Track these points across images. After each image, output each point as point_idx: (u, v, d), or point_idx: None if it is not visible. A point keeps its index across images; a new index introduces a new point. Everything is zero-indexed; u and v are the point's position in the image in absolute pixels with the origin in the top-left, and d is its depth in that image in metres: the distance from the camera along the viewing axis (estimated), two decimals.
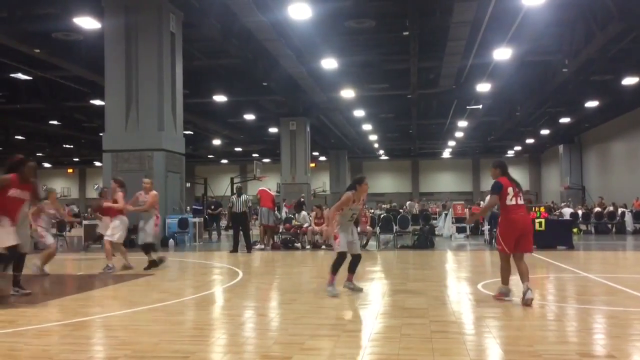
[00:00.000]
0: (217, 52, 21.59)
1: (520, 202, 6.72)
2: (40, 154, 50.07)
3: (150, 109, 16.41)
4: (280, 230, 16.84)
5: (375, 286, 8.53)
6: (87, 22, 16.86)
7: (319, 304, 6.85)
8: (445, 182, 57.15)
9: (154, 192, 10.97)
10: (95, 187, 61.00)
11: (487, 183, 48.26)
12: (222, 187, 41.95)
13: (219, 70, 24.18)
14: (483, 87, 24.44)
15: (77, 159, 53.15)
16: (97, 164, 52.38)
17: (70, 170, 58.63)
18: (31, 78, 24.55)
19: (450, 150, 51.63)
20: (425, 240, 15.44)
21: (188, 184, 18.39)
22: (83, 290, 8.52)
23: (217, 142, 43.09)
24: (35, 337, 5.29)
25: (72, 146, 43.93)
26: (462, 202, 23.09)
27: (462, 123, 35.24)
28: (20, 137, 39.40)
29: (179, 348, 4.69)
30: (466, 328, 5.47)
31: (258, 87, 26.00)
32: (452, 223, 19.53)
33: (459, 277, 9.59)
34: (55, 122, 34.28)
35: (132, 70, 16.41)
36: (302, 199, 21.78)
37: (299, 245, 15.95)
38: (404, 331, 5.25)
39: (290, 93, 26.98)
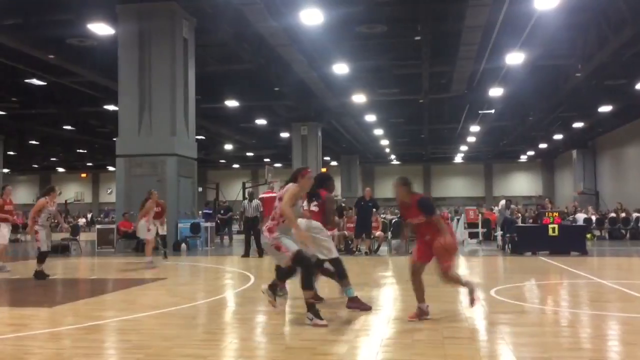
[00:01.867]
0: (230, 58, 21.68)
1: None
2: (55, 159, 50.53)
3: (163, 114, 16.51)
4: None
5: (387, 291, 8.51)
6: (100, 28, 17.03)
7: (331, 309, 6.84)
8: (457, 187, 56.90)
9: None
10: (109, 191, 61.16)
11: (500, 188, 48.40)
12: (233, 191, 42.08)
13: (231, 75, 24.29)
14: (495, 92, 24.34)
15: (90, 164, 53.51)
16: (111, 168, 52.81)
17: (83, 175, 59.03)
18: (46, 84, 24.78)
19: (462, 155, 51.44)
20: None
21: (200, 189, 18.47)
22: (96, 294, 8.58)
23: (229, 147, 43.24)
24: (48, 340, 5.33)
25: (85, 151, 44.28)
26: (475, 207, 22.98)
27: (474, 128, 35.11)
28: (35, 142, 39.77)
29: (191, 352, 4.71)
30: (479, 334, 5.44)
31: (270, 92, 26.08)
32: (465, 228, 19.44)
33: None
34: (69, 127, 34.57)
35: (145, 76, 16.54)
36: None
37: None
38: (416, 337, 5.23)
39: (302, 98, 27.04)
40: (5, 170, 37.63)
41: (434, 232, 5.84)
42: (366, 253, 15.07)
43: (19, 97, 26.54)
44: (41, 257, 10.21)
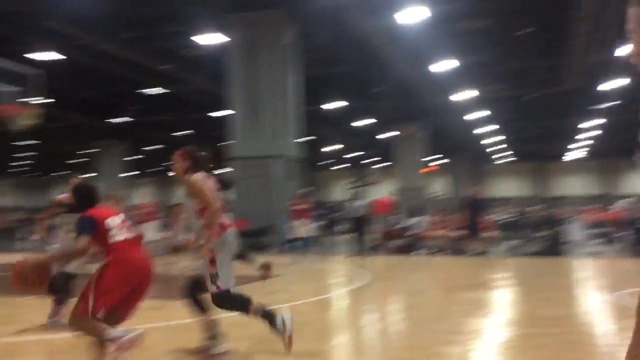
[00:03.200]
0: (332, 60, 21.97)
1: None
2: (170, 163, 53.54)
3: (271, 117, 17.04)
4: (399, 236, 16.77)
5: (503, 294, 8.27)
6: (211, 38, 17.94)
7: (444, 310, 6.77)
8: (573, 185, 53.86)
9: None
10: None
11: (624, 186, 45.02)
12: (338, 192, 42.60)
13: (335, 77, 24.60)
14: (614, 84, 22.82)
15: None
16: (218, 172, 54.95)
17: None
18: (162, 92, 26.43)
19: (578, 151, 48.62)
20: (554, 247, 14.69)
21: (306, 190, 18.89)
22: None
23: (332, 148, 43.79)
24: (177, 332, 5.70)
25: None
26: (594, 206, 21.69)
27: (591, 123, 33.10)
28: (153, 147, 42.49)
29: (307, 348, 4.85)
30: (604, 339, 5.16)
31: (372, 93, 26.13)
32: (584, 229, 18.38)
33: (593, 285, 9.04)
34: (183, 133, 36.62)
35: (253, 81, 17.15)
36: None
37: (417, 251, 15.78)
38: (537, 341, 5.06)
39: (405, 97, 26.83)
40: (126, 174, 40.46)
41: None
42: (476, 254, 14.70)
43: (139, 105, 28.48)
44: None
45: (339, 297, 8.25)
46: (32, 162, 52.64)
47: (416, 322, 5.99)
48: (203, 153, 4.93)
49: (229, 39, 17.43)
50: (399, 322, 6.16)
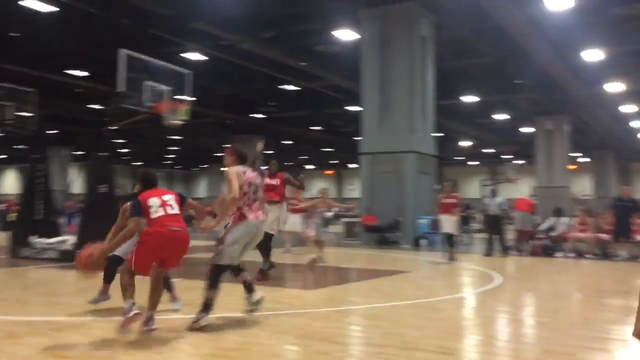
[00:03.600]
0: (467, 52, 21.36)
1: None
2: (305, 157, 55.31)
3: (403, 112, 16.97)
4: (538, 237, 15.94)
5: None
6: (345, 34, 18.21)
7: (587, 316, 6.37)
8: None
9: None
10: (350, 187, 64.70)
11: None
12: (470, 189, 41.38)
13: (469, 70, 23.89)
14: None
15: (335, 162, 57.37)
16: (352, 165, 55.84)
17: (329, 172, 63.44)
18: (297, 88, 27.30)
19: None
20: None
21: (437, 186, 18.59)
22: (346, 281, 9.25)
23: (465, 143, 42.57)
24: (313, 319, 5.91)
25: (331, 149, 47.60)
26: None
27: None
28: (288, 142, 44.07)
29: (442, 344, 4.81)
30: None
31: (510, 85, 25.00)
32: None
33: None
34: (317, 128, 37.56)
35: (386, 76, 17.17)
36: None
37: (560, 252, 14.89)
38: None
39: (546, 90, 25.37)
40: (264, 168, 42.29)
41: None
42: (626, 259, 13.60)
43: (275, 101, 29.64)
44: None
45: (472, 296, 8.06)
46: (175, 156, 56.82)
47: (556, 326, 5.69)
48: (244, 150, 5.75)
49: (362, 34, 17.59)
50: (536, 325, 5.89)
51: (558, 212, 16.05)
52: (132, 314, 4.77)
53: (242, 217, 5.40)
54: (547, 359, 4.48)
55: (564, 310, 6.69)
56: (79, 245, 10.50)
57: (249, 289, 5.57)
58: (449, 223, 12.19)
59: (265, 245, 8.26)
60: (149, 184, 5.37)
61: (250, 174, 5.53)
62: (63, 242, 11.70)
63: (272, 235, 8.64)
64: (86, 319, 5.64)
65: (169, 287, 5.97)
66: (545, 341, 5.08)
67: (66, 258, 10.70)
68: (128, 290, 4.90)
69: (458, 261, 11.94)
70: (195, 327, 5.11)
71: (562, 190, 28.98)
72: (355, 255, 13.87)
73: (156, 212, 4.99)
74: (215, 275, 5.33)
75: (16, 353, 4.24)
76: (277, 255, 9.86)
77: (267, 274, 8.49)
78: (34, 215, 12.32)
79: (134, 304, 4.82)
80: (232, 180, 5.36)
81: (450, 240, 12.27)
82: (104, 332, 5.06)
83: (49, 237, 11.82)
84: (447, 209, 12.31)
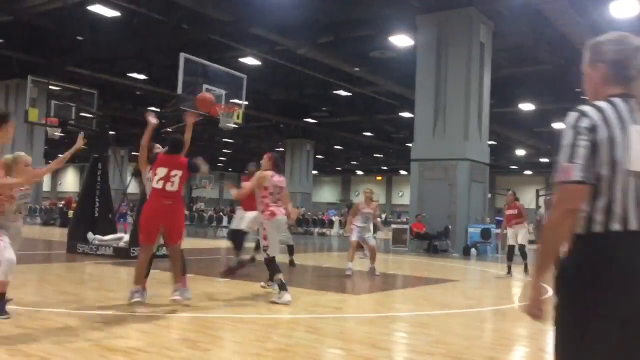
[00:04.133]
0: (525, 60, 20.89)
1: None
2: (354, 162, 55.26)
3: (457, 119, 16.73)
4: None
5: None
6: (400, 40, 18.13)
7: None
8: None
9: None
10: (400, 194, 63.98)
11: None
12: (525, 199, 40.31)
13: (526, 78, 23.36)
14: None
15: (385, 167, 57.08)
16: (402, 172, 55.40)
17: (378, 178, 63.16)
18: (350, 94, 27.34)
19: None
20: None
21: (489, 195, 18.25)
22: (394, 287, 9.17)
23: (520, 152, 41.57)
24: (359, 323, 5.91)
25: (381, 155, 47.39)
26: None
27: None
28: (339, 147, 44.15)
29: (490, 355, 4.71)
30: None
31: (570, 94, 24.25)
32: None
33: None
34: (368, 134, 37.48)
35: (441, 82, 16.98)
36: None
37: None
38: None
39: None
40: (314, 172, 42.59)
41: None
42: None
43: (328, 106, 29.77)
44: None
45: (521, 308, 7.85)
46: (225, 159, 57.72)
47: None
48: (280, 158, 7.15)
49: (418, 39, 17.46)
50: None
51: None
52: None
53: (272, 214, 6.66)
54: None
55: None
56: (133, 242, 10.84)
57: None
58: (511, 235, 11.58)
59: (239, 241, 8.96)
60: (172, 149, 6.27)
61: (277, 178, 6.81)
62: (118, 239, 12.08)
63: (246, 232, 8.83)
64: (136, 314, 5.80)
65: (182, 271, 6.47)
66: None
67: (120, 255, 11.06)
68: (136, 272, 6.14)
69: (506, 270, 11.61)
70: (280, 302, 6.40)
71: None
72: (403, 262, 13.75)
73: (157, 183, 6.05)
74: (272, 263, 6.67)
75: (71, 345, 4.40)
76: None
77: (235, 270, 8.58)
78: (91, 212, 12.77)
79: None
80: (259, 184, 6.76)
81: (521, 252, 11.62)
82: (153, 327, 5.20)
83: (105, 234, 12.23)
84: (509, 220, 11.72)
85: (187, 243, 14.77)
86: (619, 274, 1.75)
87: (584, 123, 1.83)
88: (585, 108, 1.88)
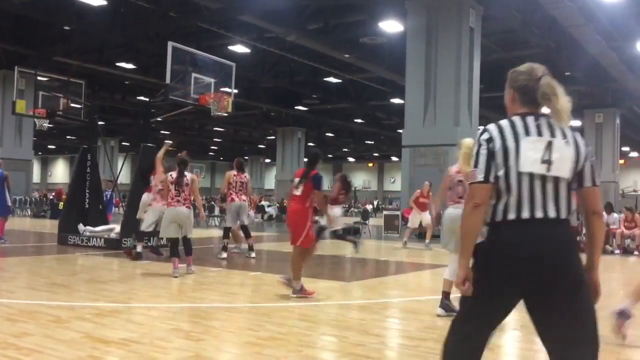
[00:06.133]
0: (515, 44, 20.88)
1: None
2: (346, 149, 55.23)
3: (447, 105, 16.72)
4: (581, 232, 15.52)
5: None
6: (390, 26, 18.05)
7: (634, 313, 6.15)
8: None
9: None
10: (392, 180, 64.24)
11: None
12: None
13: (517, 62, 23.08)
14: None
15: (376, 154, 57.12)
16: (394, 158, 55.46)
17: (370, 165, 63.26)
18: (340, 81, 27.25)
19: None
20: None
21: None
22: (384, 274, 9.21)
23: None
24: (351, 310, 5.93)
25: (372, 142, 47.39)
26: None
27: None
28: (330, 134, 44.09)
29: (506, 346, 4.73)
30: None
31: (560, 77, 23.54)
32: None
33: None
34: (359, 120, 37.43)
35: (431, 68, 16.93)
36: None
37: (607, 248, 14.46)
38: None
39: (597, 82, 24.60)
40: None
41: None
42: None
43: (318, 93, 29.68)
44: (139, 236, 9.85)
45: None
46: (217, 148, 57.51)
47: (602, 324, 5.52)
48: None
49: (408, 25, 17.39)
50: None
51: (609, 208, 15.57)
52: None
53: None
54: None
55: (610, 308, 6.48)
56: (124, 233, 10.79)
57: None
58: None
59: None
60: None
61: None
62: (109, 230, 12.03)
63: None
64: (128, 305, 5.79)
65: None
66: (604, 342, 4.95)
67: (112, 246, 11.02)
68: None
69: None
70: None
71: (611, 186, 28.10)
72: (395, 249, 13.79)
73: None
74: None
75: (63, 337, 4.39)
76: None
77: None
78: (82, 204, 12.70)
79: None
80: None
81: None
82: (145, 318, 5.19)
83: (96, 225, 12.17)
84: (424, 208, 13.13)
85: None
86: (503, 252, 2.27)
87: (484, 136, 2.39)
88: (489, 125, 2.44)
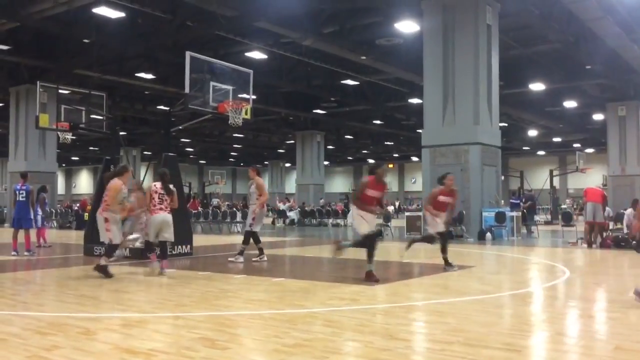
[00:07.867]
0: (534, 39, 20.70)
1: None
2: (365, 151, 55.13)
3: (466, 104, 16.62)
4: (611, 227, 15.29)
5: None
6: (407, 26, 18.02)
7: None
8: None
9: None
10: (413, 181, 64.20)
11: None
12: (539, 180, 40.04)
13: (536, 57, 23.13)
14: None
15: (396, 155, 56.90)
16: (414, 159, 55.22)
17: (390, 165, 62.97)
18: (358, 83, 27.23)
19: None
20: None
21: (502, 177, 18.17)
22: (409, 276, 9.17)
23: (532, 132, 41.24)
24: (376, 315, 5.91)
25: (392, 143, 47.24)
26: None
27: None
28: (349, 137, 44.05)
29: (509, 341, 4.70)
30: None
31: (580, 72, 24.04)
32: None
33: None
34: (378, 122, 37.35)
35: (448, 67, 16.85)
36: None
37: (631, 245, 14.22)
38: None
39: (619, 75, 24.24)
40: (325, 163, 42.51)
41: None
42: None
43: (336, 96, 29.71)
44: (110, 250, 8.92)
45: (540, 291, 7.81)
46: (237, 154, 57.78)
47: (628, 322, 5.45)
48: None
49: (425, 25, 17.33)
50: (607, 321, 5.65)
51: (635, 203, 15.30)
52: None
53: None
54: (619, 356, 4.29)
55: (637, 305, 6.37)
56: (147, 242, 10.88)
57: None
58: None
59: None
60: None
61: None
62: (134, 240, 12.15)
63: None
64: (154, 315, 5.85)
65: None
66: (617, 337, 4.87)
67: (136, 256, 11.14)
68: None
69: (522, 254, 11.57)
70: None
71: (637, 179, 27.63)
72: (418, 250, 13.70)
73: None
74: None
75: (92, 349, 4.45)
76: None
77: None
78: None
79: None
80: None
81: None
82: (171, 328, 5.24)
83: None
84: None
85: (202, 240, 14.99)
86: None
87: None
88: None
